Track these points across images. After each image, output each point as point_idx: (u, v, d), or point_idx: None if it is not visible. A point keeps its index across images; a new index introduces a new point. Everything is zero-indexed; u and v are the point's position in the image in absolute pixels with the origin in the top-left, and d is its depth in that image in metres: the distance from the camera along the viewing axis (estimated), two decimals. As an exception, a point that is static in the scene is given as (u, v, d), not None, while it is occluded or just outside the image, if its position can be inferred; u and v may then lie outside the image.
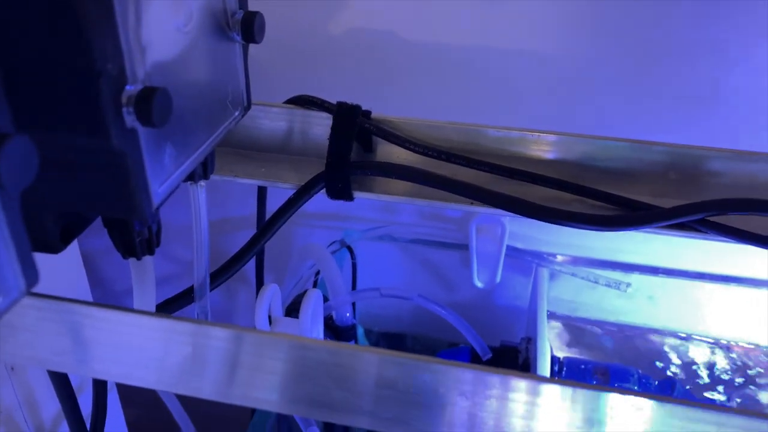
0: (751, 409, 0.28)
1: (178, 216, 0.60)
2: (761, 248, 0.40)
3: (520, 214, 0.42)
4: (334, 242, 0.74)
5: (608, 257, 0.73)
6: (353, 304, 0.76)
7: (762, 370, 0.74)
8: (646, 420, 0.29)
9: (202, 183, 0.39)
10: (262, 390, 0.32)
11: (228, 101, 0.35)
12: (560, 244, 0.74)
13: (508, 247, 0.71)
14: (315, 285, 0.71)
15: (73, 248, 0.63)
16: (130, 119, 0.26)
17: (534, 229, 0.74)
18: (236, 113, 0.37)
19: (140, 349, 0.32)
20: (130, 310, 0.31)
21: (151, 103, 0.25)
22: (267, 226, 0.45)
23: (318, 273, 0.71)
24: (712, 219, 0.41)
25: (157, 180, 0.29)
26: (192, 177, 0.37)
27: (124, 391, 0.71)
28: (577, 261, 0.72)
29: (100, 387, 0.44)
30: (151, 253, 0.33)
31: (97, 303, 0.32)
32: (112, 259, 0.91)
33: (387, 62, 0.69)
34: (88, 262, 0.68)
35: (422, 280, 0.80)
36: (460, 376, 0.30)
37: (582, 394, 0.29)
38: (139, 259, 0.33)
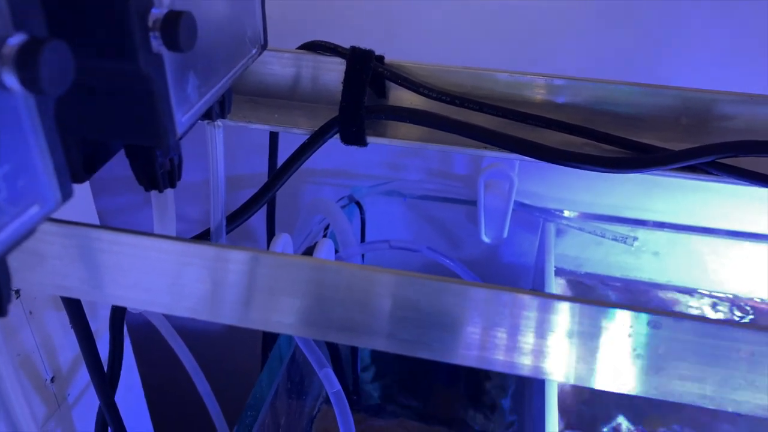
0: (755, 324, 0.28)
1: (186, 173, 0.61)
2: (745, 187, 0.40)
3: (532, 157, 0.42)
4: (342, 198, 0.75)
5: (615, 213, 0.73)
6: (363, 258, 0.77)
7: None
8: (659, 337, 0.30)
9: (219, 123, 0.39)
10: (280, 313, 0.33)
11: (246, 37, 0.36)
12: (567, 201, 0.74)
13: (515, 202, 0.72)
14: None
15: (88, 202, 0.64)
16: (156, 43, 0.26)
17: (542, 186, 0.74)
18: (254, 51, 0.37)
19: (158, 273, 0.33)
20: (150, 234, 0.32)
21: (178, 26, 0.26)
22: (280, 171, 0.46)
23: (327, 228, 0.71)
24: (722, 161, 0.41)
25: (181, 109, 0.29)
26: (210, 115, 0.38)
27: (139, 351, 0.72)
28: (584, 217, 0.73)
29: (117, 319, 0.45)
30: (173, 185, 0.33)
31: (117, 228, 0.32)
32: (126, 219, 0.92)
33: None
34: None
35: (430, 235, 0.80)
36: (475, 295, 0.31)
37: (591, 309, 0.30)
38: (161, 191, 0.33)
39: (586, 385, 0.32)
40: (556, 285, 0.78)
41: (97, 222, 0.64)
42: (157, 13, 0.26)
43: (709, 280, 0.76)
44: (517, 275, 0.81)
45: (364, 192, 0.76)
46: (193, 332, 1.00)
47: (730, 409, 0.31)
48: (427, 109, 0.47)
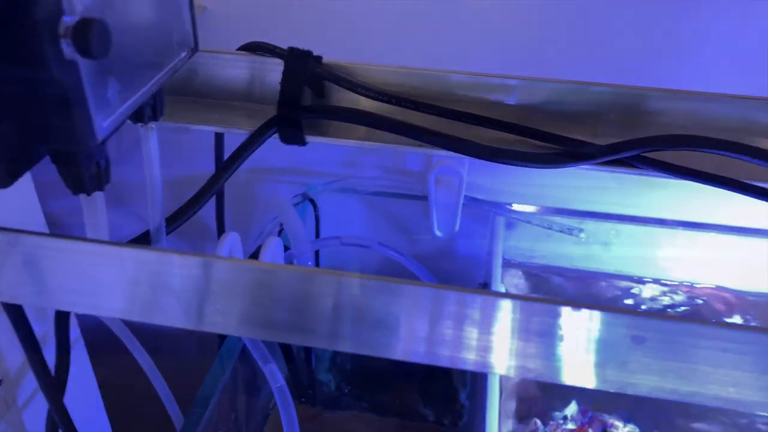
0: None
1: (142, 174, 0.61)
2: (693, 182, 0.42)
3: (464, 154, 0.43)
4: (296, 195, 0.75)
5: (565, 206, 0.75)
6: (317, 257, 0.77)
7: (723, 309, 0.77)
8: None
9: (153, 125, 0.40)
10: (220, 314, 0.34)
11: (174, 41, 0.36)
12: (517, 194, 0.76)
13: (466, 197, 0.73)
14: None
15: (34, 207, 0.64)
16: (68, 50, 0.26)
17: (491, 180, 0.76)
18: (183, 54, 0.37)
19: (92, 277, 0.33)
20: (81, 238, 0.33)
21: (89, 34, 0.26)
22: (221, 171, 0.46)
23: (282, 226, 0.72)
24: (647, 155, 0.43)
25: (101, 114, 0.30)
26: (141, 118, 0.38)
27: (95, 352, 0.72)
28: (535, 210, 0.74)
29: (61, 323, 0.45)
30: (101, 188, 0.34)
31: (53, 233, 0.33)
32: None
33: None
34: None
35: (385, 231, 0.81)
36: (419, 293, 0.31)
37: (536, 307, 0.31)
38: (89, 194, 0.34)
39: (530, 377, 0.33)
40: (512, 277, 0.80)
41: (44, 225, 0.64)
42: (68, 20, 0.26)
43: (658, 268, 0.78)
44: (470, 268, 0.82)
45: (319, 189, 0.77)
46: (150, 330, 1.00)
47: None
48: (365, 108, 0.47)
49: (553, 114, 0.46)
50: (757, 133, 0.46)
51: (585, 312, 0.29)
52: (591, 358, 0.31)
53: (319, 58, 0.48)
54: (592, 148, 0.43)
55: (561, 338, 0.31)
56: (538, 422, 0.67)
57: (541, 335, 0.32)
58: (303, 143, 0.48)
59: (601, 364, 0.30)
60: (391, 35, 0.69)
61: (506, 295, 0.31)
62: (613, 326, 0.30)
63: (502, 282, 0.72)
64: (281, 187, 0.85)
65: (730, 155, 0.40)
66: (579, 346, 0.31)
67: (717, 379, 0.29)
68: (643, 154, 0.42)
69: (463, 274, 0.82)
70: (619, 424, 0.69)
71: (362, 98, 0.48)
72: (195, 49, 0.39)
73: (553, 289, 0.79)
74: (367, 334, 0.33)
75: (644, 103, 0.46)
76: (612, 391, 0.32)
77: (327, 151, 0.80)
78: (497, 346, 0.33)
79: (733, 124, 0.46)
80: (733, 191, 0.43)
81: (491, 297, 0.31)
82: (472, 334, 0.33)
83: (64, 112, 0.28)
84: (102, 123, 0.30)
